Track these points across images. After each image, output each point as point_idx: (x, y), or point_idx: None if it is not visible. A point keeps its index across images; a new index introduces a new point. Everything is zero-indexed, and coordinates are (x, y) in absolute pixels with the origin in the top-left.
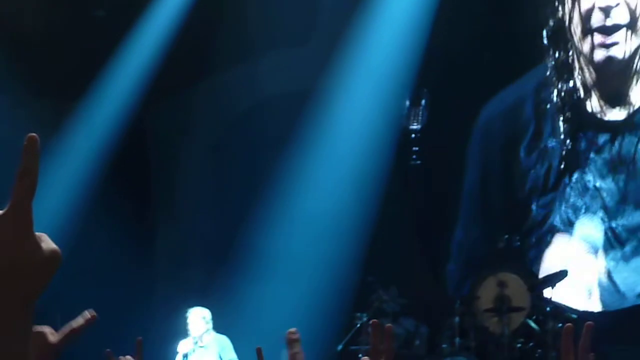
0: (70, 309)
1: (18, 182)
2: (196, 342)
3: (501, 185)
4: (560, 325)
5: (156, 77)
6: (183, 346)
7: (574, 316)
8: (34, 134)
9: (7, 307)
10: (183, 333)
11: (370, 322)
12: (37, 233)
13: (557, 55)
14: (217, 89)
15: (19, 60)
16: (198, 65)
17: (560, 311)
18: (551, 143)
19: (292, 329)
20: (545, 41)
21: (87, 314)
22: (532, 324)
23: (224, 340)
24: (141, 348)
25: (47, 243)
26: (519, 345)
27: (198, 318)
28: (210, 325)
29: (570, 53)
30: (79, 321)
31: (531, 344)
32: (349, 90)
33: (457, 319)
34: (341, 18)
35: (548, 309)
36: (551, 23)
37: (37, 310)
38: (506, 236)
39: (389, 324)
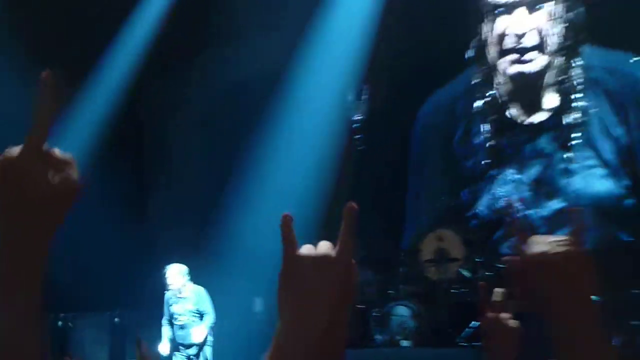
0: (73, 264)
1: (34, 118)
2: (176, 294)
3: (437, 170)
4: (489, 273)
5: (150, 57)
6: (168, 297)
7: (501, 266)
8: (47, 72)
9: (40, 230)
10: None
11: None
12: (65, 158)
13: (477, 68)
14: (205, 68)
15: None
16: (187, 46)
17: (488, 261)
18: (478, 140)
19: None
20: (470, 55)
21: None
22: (465, 273)
23: (201, 291)
24: (140, 345)
25: (68, 172)
26: (453, 290)
27: (175, 273)
28: (187, 278)
29: (490, 67)
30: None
31: (463, 289)
32: (309, 82)
33: (402, 269)
34: (306, 13)
35: (478, 259)
36: (474, 43)
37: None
38: (443, 198)
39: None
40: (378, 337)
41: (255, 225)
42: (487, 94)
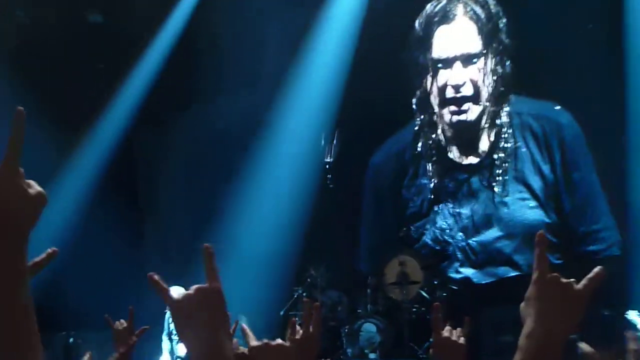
0: (77, 286)
1: (9, 143)
2: None
3: (389, 212)
4: (444, 294)
5: (144, 109)
6: (168, 315)
7: (455, 287)
8: (21, 108)
9: (6, 242)
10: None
11: (303, 299)
12: (26, 180)
13: (422, 117)
14: (192, 119)
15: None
16: (177, 100)
17: (443, 283)
18: (424, 181)
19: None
20: (414, 106)
21: (49, 250)
22: (424, 294)
23: None
24: (132, 315)
25: (34, 187)
26: (414, 309)
27: (174, 293)
28: None
29: (433, 115)
30: (42, 256)
31: (423, 308)
32: (288, 126)
33: (369, 290)
34: (282, 69)
35: (435, 282)
36: (418, 93)
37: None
38: (404, 228)
39: (317, 303)
40: (349, 350)
41: (239, 254)
42: (431, 140)
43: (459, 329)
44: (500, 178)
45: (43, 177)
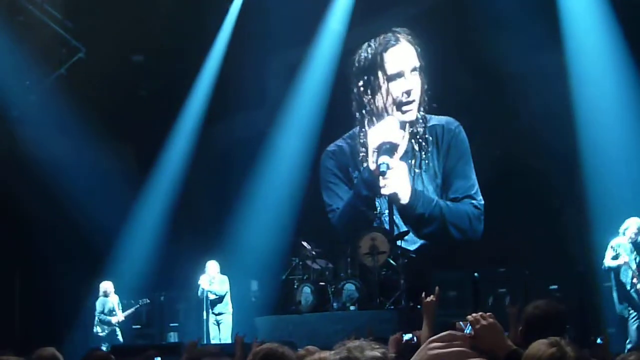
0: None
1: None
2: (210, 281)
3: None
4: (406, 260)
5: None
6: (203, 280)
7: (413, 255)
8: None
9: None
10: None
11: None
12: None
13: (363, 123)
14: (216, 132)
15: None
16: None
17: (405, 252)
18: (356, 174)
19: None
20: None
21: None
22: (391, 261)
23: (224, 279)
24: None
25: None
26: (383, 273)
27: (212, 265)
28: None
29: (372, 119)
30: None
31: (390, 271)
32: (282, 142)
33: (348, 259)
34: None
35: (398, 252)
36: (364, 102)
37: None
38: (375, 212)
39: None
40: (334, 304)
41: (250, 234)
42: (366, 140)
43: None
44: (416, 168)
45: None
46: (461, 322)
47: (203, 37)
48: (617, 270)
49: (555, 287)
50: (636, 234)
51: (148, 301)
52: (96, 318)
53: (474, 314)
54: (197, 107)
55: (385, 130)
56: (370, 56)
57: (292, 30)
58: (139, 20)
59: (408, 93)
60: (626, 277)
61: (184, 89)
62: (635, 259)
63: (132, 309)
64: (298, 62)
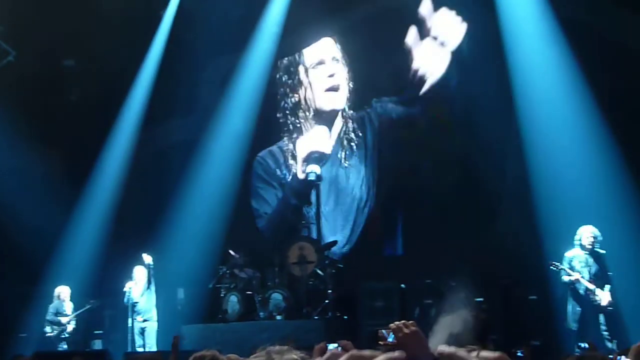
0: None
1: None
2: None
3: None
4: (333, 271)
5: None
6: (130, 286)
7: (340, 266)
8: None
9: None
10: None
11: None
12: None
13: (290, 129)
14: (149, 139)
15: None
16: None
17: (333, 262)
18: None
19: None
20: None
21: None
22: (318, 271)
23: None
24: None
25: None
26: (310, 282)
27: (140, 271)
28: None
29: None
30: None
31: (317, 282)
32: (213, 150)
33: (276, 268)
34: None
35: (326, 262)
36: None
37: None
38: (303, 222)
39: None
40: (261, 313)
41: (177, 242)
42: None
43: None
44: (347, 158)
45: None
46: (384, 330)
47: (137, 43)
48: (571, 285)
49: (481, 299)
50: (592, 243)
51: (97, 302)
52: (47, 318)
53: (396, 322)
54: (131, 113)
55: (314, 139)
56: (289, 59)
57: (226, 37)
58: (70, 24)
59: (332, 76)
60: (579, 293)
61: (116, 94)
62: (589, 269)
63: (81, 310)
64: (231, 68)
